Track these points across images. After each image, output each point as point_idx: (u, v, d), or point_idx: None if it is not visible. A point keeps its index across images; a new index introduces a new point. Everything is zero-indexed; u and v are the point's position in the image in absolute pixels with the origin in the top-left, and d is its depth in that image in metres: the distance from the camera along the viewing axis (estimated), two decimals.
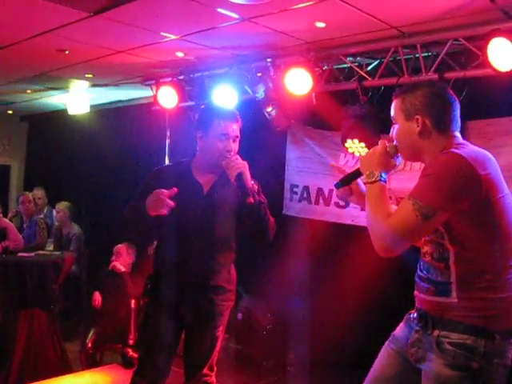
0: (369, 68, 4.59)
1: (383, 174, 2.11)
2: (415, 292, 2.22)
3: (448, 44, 4.02)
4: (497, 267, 2.00)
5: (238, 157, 2.82)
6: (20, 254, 5.36)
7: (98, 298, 5.32)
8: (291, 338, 5.49)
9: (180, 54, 4.96)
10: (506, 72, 3.66)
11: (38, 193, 7.42)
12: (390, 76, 4.43)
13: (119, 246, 5.42)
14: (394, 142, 2.19)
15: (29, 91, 6.91)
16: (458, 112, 2.16)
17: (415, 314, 2.21)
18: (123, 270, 5.32)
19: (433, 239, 2.08)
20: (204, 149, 2.92)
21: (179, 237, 2.88)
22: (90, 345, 4.98)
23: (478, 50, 3.88)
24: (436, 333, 2.03)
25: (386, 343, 2.31)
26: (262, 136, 5.34)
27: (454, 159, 1.96)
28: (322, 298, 5.23)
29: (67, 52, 4.94)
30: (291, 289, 5.52)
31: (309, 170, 5.35)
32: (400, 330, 2.28)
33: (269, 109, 5.03)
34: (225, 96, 5.17)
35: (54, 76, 5.94)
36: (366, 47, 4.41)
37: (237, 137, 2.92)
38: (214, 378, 3.03)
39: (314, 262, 5.36)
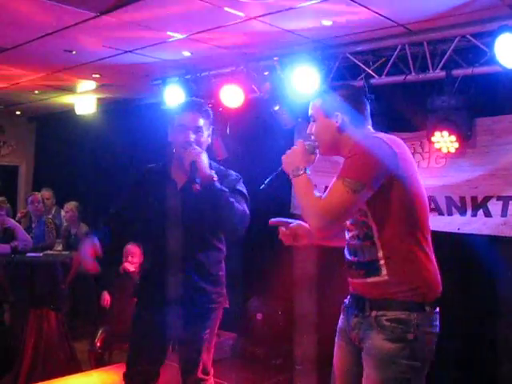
0: (375, 66, 4.57)
1: (307, 169, 2.34)
2: (348, 279, 2.36)
3: (455, 41, 4.01)
4: (417, 239, 2.19)
5: (194, 146, 2.77)
6: (29, 254, 5.40)
7: (106, 297, 5.34)
8: (299, 336, 5.49)
9: (187, 54, 4.97)
10: None
11: (47, 193, 7.45)
12: (397, 74, 4.42)
13: (129, 246, 5.42)
14: (311, 140, 2.41)
15: (36, 92, 6.94)
16: (369, 111, 2.43)
17: (350, 300, 2.38)
18: (132, 269, 5.33)
19: (357, 219, 2.25)
20: (172, 144, 2.91)
21: (158, 236, 2.86)
22: (98, 344, 5.00)
23: (485, 47, 3.87)
24: (374, 313, 2.19)
25: (336, 339, 2.44)
26: (269, 134, 5.34)
27: (373, 140, 2.22)
28: (330, 296, 5.22)
29: (74, 52, 4.96)
30: (300, 287, 5.52)
31: (315, 168, 5.28)
32: (340, 321, 2.43)
33: (276, 107, 5.02)
34: (232, 95, 5.18)
35: (62, 76, 5.96)
36: (373, 45, 4.41)
37: (198, 127, 2.85)
38: (211, 381, 2.95)
39: (321, 260, 5.35)
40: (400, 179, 2.15)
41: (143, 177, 3.03)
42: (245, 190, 2.93)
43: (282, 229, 2.56)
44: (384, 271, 2.17)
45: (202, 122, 2.87)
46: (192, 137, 2.81)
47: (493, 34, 3.64)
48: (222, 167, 3.00)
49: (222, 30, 4.24)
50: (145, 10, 3.82)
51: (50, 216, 7.12)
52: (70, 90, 6.71)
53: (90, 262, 2.82)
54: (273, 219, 2.56)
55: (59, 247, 6.63)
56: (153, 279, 2.92)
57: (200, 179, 2.66)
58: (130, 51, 4.90)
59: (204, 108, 2.94)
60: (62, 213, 7.17)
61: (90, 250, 2.82)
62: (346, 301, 2.42)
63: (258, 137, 5.56)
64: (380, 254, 2.18)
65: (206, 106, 3.00)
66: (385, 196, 2.15)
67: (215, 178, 2.72)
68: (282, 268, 5.36)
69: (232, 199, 2.73)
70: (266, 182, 2.44)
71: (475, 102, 4.08)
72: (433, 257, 2.24)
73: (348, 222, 2.32)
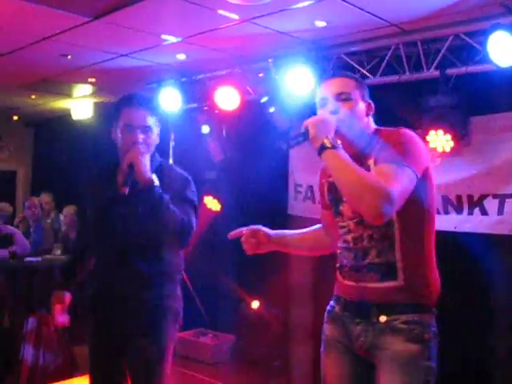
0: (370, 66, 4.58)
1: None
2: (345, 282, 2.19)
3: (449, 40, 4.02)
4: (428, 241, 2.10)
5: (138, 146, 2.50)
6: (27, 259, 5.41)
7: None
8: (298, 338, 5.50)
9: (182, 57, 4.98)
10: (507, 67, 3.66)
11: (45, 198, 7.45)
12: (392, 73, 4.43)
13: None
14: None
15: (33, 97, 6.95)
16: None
17: (342, 307, 2.20)
18: None
19: None
20: (119, 146, 2.63)
21: (102, 248, 2.69)
22: None
23: (478, 45, 3.88)
24: (383, 319, 2.04)
25: (323, 350, 2.27)
26: (265, 136, 5.34)
27: (413, 133, 2.09)
28: (327, 297, 5.23)
29: (70, 57, 4.98)
30: (298, 288, 5.53)
31: (312, 169, 5.33)
32: (329, 330, 2.25)
33: (271, 109, 5.03)
34: (227, 97, 5.19)
35: (58, 81, 5.98)
36: (367, 45, 4.42)
37: (146, 127, 2.56)
38: None
39: (319, 262, 5.35)
40: (428, 176, 2.06)
41: (87, 190, 2.79)
42: (194, 196, 2.63)
43: (248, 238, 2.38)
44: (401, 275, 2.02)
45: (150, 120, 2.58)
46: (140, 137, 2.53)
47: (486, 33, 3.64)
48: (176, 169, 2.73)
49: (216, 33, 4.25)
50: (139, 13, 3.84)
51: (49, 220, 7.13)
52: (67, 94, 6.73)
53: (59, 319, 2.85)
54: (231, 232, 2.39)
55: (58, 251, 6.63)
56: (98, 293, 2.78)
57: (133, 182, 2.41)
58: (125, 55, 4.92)
59: (152, 104, 2.69)
60: (61, 217, 7.17)
61: (59, 308, 2.83)
62: (333, 307, 2.27)
63: (253, 139, 5.57)
64: (398, 255, 2.03)
65: (153, 101, 2.74)
66: (414, 192, 1.96)
67: (156, 183, 2.44)
68: (281, 270, 5.37)
69: (173, 208, 2.45)
70: (293, 140, 2.11)
71: (470, 101, 4.09)
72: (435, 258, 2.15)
73: (351, 223, 2.13)
